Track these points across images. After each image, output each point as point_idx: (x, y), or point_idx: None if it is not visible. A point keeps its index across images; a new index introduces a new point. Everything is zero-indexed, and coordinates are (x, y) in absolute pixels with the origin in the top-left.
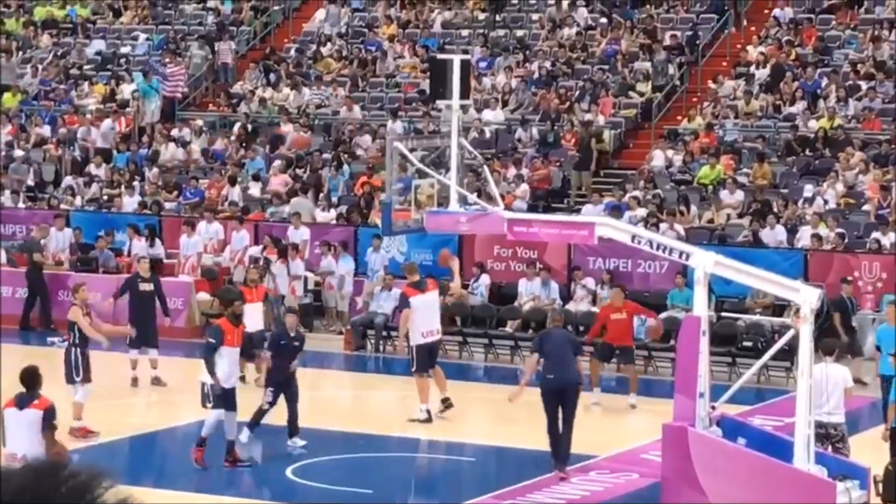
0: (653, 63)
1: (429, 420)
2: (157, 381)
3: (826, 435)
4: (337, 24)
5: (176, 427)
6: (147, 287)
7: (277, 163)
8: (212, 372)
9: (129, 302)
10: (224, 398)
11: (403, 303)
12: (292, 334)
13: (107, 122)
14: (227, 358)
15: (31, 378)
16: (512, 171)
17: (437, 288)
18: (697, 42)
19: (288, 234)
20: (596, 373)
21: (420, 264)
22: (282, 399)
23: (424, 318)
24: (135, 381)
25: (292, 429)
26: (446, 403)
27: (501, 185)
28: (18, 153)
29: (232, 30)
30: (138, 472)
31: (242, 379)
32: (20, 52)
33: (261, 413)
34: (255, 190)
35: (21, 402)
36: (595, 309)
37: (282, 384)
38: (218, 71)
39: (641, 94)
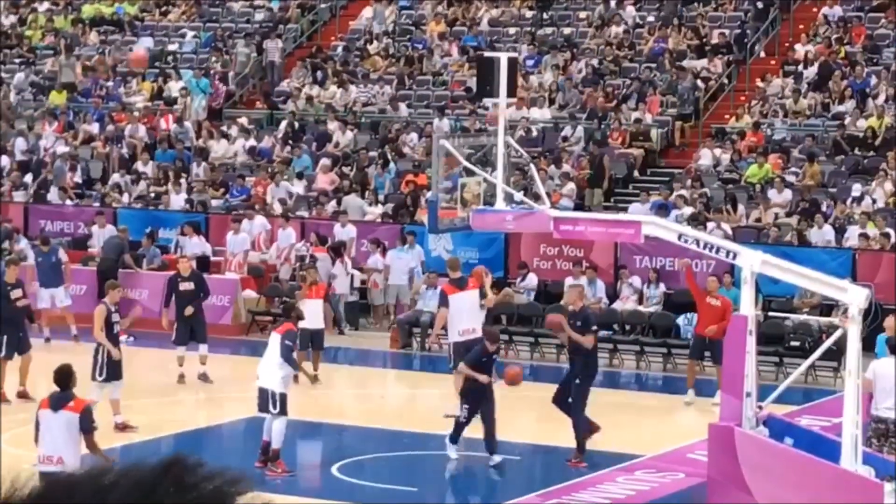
0: (677, 91)
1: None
2: (203, 378)
3: (886, 431)
4: (384, 23)
5: (221, 424)
6: (187, 286)
7: (324, 161)
8: (295, 368)
9: (174, 301)
10: (285, 403)
11: (442, 300)
12: (491, 349)
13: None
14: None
15: (65, 378)
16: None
17: (479, 286)
18: (746, 40)
19: (334, 231)
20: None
21: (466, 262)
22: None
23: (462, 315)
24: (181, 378)
25: (490, 446)
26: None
27: (548, 182)
28: (62, 149)
29: (279, 28)
30: None
31: (295, 378)
32: (68, 50)
33: (460, 426)
34: (300, 188)
35: (55, 404)
36: (641, 308)
37: (479, 399)
38: (265, 69)
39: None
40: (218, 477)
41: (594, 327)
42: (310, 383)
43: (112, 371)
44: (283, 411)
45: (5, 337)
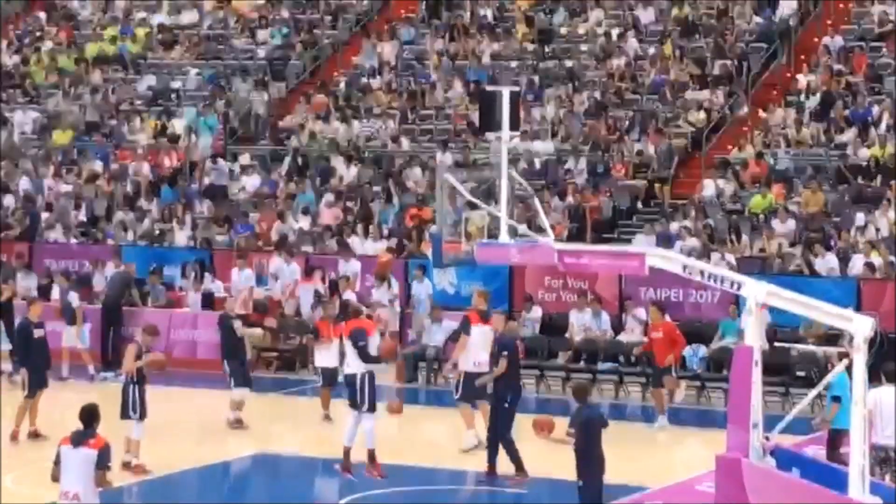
0: (657, 151)
1: (480, 445)
2: (238, 423)
3: (887, 458)
4: (374, 59)
5: (229, 461)
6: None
7: (328, 196)
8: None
9: (222, 340)
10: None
11: (465, 327)
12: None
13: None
14: None
15: (89, 416)
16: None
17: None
18: (747, 71)
19: (339, 266)
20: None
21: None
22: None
23: (479, 348)
24: (237, 423)
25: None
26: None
27: (551, 215)
28: (65, 188)
29: (279, 65)
30: None
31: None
32: (71, 89)
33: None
34: (304, 223)
35: (77, 440)
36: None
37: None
38: (269, 105)
39: (692, 124)
40: None
41: (504, 352)
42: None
43: (144, 409)
44: (373, 407)
45: (29, 375)
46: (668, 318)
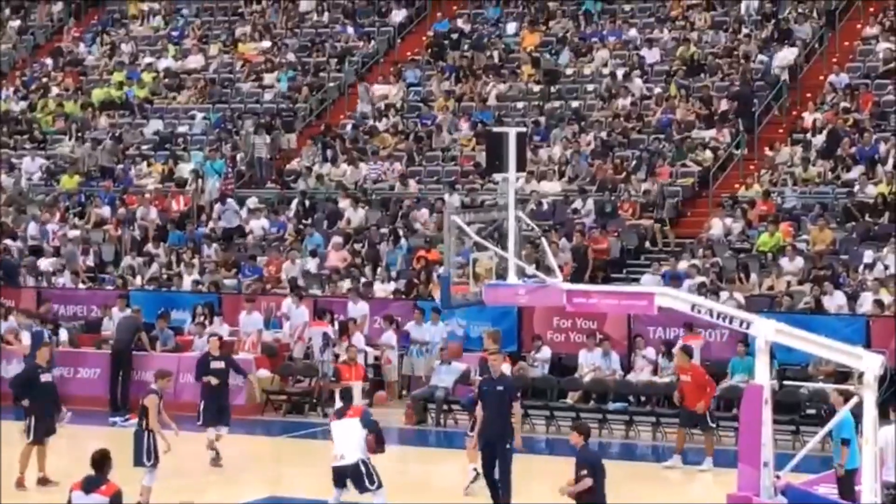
0: (662, 190)
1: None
2: (215, 457)
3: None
4: (369, 102)
5: None
6: (218, 365)
7: (336, 238)
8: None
9: (202, 381)
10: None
11: (483, 369)
12: None
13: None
14: None
15: (101, 462)
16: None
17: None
18: (753, 110)
19: (347, 308)
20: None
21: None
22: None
23: None
24: (215, 461)
25: None
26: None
27: (560, 255)
28: (73, 234)
29: (285, 109)
30: None
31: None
32: (79, 134)
33: None
34: (313, 266)
35: (88, 486)
36: (656, 379)
37: None
38: (272, 148)
39: (699, 164)
40: None
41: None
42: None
43: (157, 456)
44: (380, 483)
45: (35, 420)
46: (696, 361)
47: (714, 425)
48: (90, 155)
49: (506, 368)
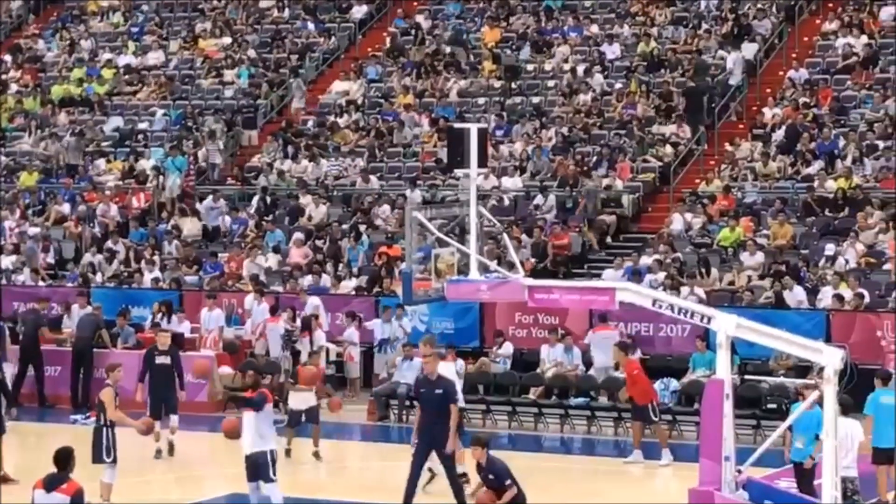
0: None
1: (464, 478)
2: (170, 448)
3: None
4: (302, 101)
5: (201, 503)
6: (164, 360)
7: (297, 235)
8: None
9: (148, 374)
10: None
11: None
12: None
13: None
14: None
15: (64, 460)
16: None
17: (455, 360)
18: (713, 105)
19: (303, 306)
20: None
21: (442, 333)
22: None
23: None
24: (158, 454)
25: None
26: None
27: (521, 251)
28: (32, 231)
29: (246, 105)
30: None
31: (287, 453)
32: (38, 131)
33: None
34: (274, 262)
35: (50, 485)
36: (618, 374)
37: None
38: (225, 153)
39: (659, 159)
40: None
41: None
42: (292, 458)
43: (116, 453)
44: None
45: None
46: (633, 356)
47: (657, 418)
48: (56, 152)
49: (446, 369)
